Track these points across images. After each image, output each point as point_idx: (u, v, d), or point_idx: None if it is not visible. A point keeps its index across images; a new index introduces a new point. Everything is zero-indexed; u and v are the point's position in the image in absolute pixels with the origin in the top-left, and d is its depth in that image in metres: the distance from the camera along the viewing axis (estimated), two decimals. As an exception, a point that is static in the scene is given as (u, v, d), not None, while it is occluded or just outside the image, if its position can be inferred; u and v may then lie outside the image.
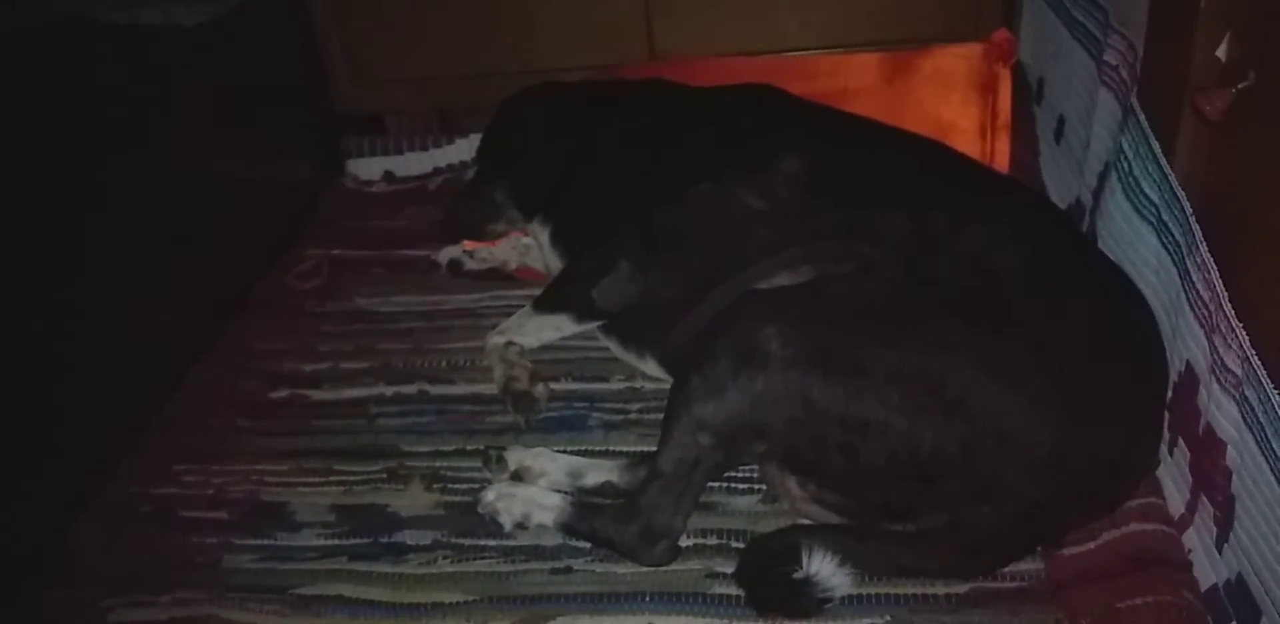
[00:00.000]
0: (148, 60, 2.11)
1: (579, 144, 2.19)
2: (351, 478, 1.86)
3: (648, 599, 1.60)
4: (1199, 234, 1.47)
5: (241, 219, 2.43)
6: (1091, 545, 1.57)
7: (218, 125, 2.36)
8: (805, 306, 1.58)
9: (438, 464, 1.88)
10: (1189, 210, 1.52)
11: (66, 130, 1.86)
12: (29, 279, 1.75)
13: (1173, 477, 1.60)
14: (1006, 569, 1.58)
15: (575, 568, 1.66)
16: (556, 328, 2.08)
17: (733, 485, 1.78)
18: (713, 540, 1.68)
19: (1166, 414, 1.59)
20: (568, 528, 1.69)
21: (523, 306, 2.11)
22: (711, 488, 1.72)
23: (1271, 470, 1.28)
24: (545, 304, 2.07)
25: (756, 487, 1.77)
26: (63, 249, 1.83)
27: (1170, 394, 1.59)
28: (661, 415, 1.63)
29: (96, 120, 1.94)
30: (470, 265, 2.39)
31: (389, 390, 2.07)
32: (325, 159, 2.80)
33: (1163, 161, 1.62)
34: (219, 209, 2.33)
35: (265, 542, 1.75)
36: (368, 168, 2.80)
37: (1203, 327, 1.48)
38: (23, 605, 1.65)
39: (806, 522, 1.65)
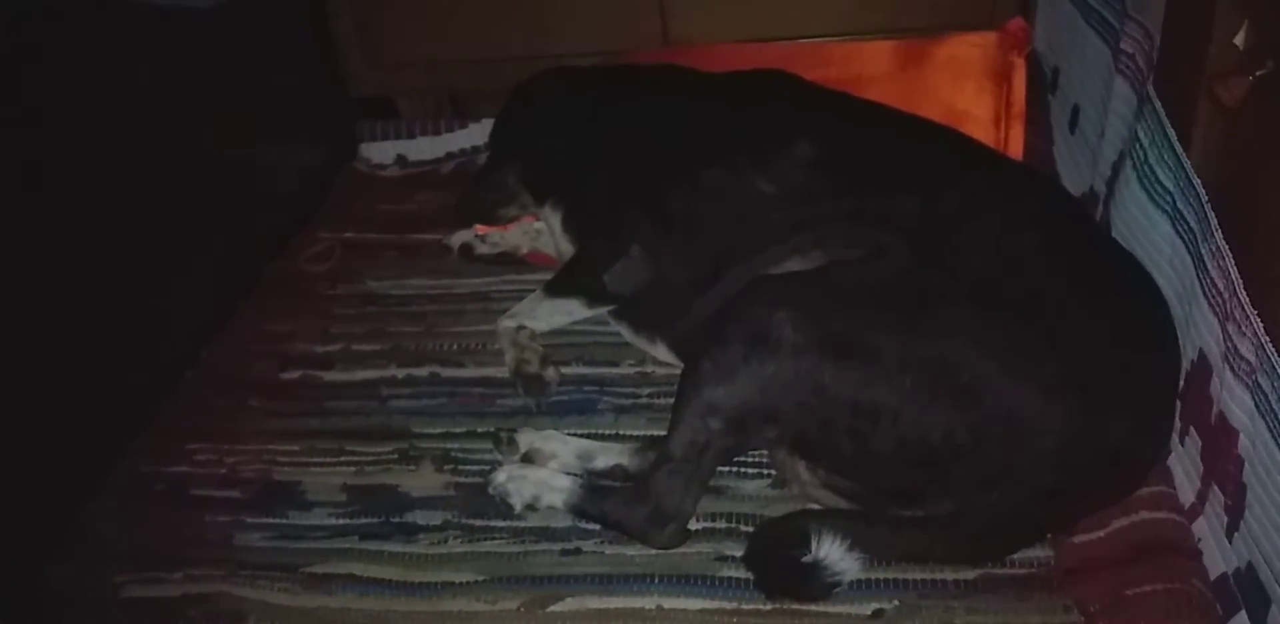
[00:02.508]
0: (160, 42, 2.11)
1: (592, 129, 2.19)
2: (363, 458, 1.87)
3: (656, 581, 1.60)
4: (1214, 221, 1.47)
5: (254, 202, 2.43)
6: (1101, 533, 1.57)
7: (230, 108, 2.36)
8: (817, 292, 1.58)
9: (449, 446, 1.89)
10: (1204, 198, 1.51)
11: (77, 112, 1.86)
12: (41, 262, 1.76)
13: (1184, 465, 1.60)
14: (1016, 556, 1.59)
15: (584, 549, 1.67)
16: (568, 312, 2.08)
17: (742, 470, 1.78)
18: (722, 524, 1.69)
19: (1178, 402, 1.59)
20: (577, 510, 1.70)
21: (534, 291, 2.11)
22: (721, 472, 1.72)
23: (1284, 458, 1.28)
24: (557, 288, 2.08)
25: (766, 471, 1.77)
26: (75, 232, 1.84)
27: (1183, 382, 1.59)
28: (672, 400, 1.63)
29: (108, 102, 1.94)
30: (482, 249, 2.39)
31: (400, 372, 2.07)
32: (338, 143, 2.80)
33: (1179, 149, 1.61)
34: (231, 192, 2.33)
35: (277, 520, 1.76)
36: (380, 152, 2.80)
37: (1216, 314, 1.47)
38: (37, 582, 1.66)
39: (815, 506, 1.66)
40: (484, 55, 2.76)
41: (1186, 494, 1.59)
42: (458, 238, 2.41)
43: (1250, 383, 1.37)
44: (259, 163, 2.52)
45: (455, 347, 2.13)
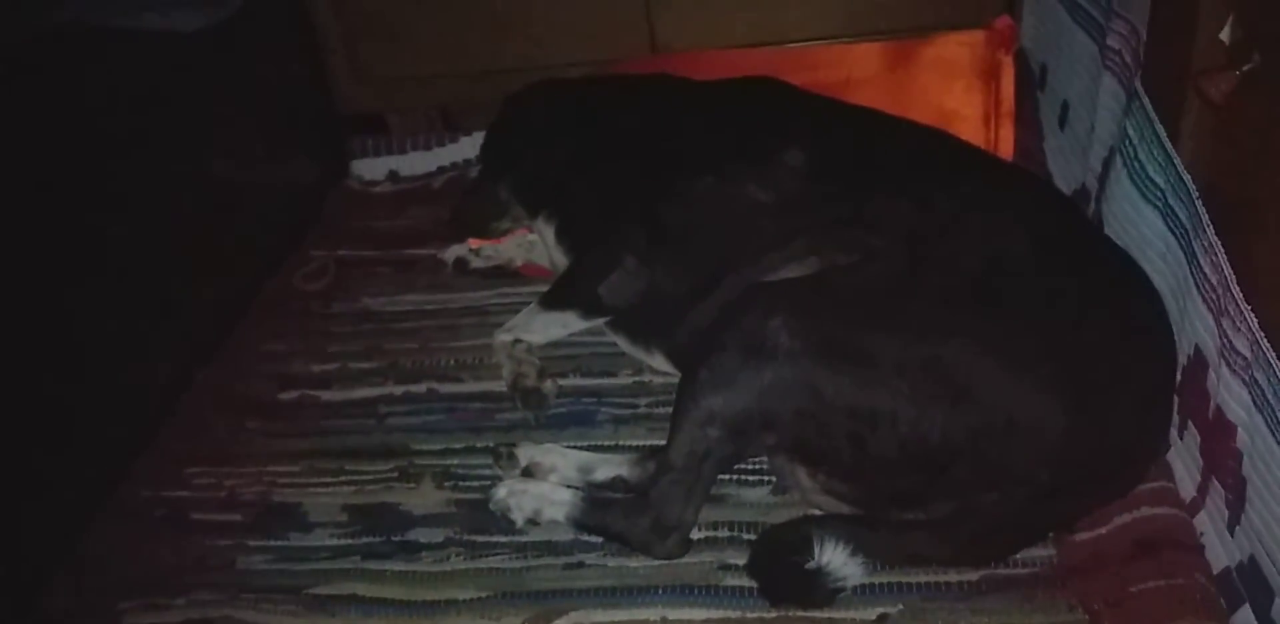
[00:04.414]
0: (151, 65, 2.12)
1: (582, 140, 2.19)
2: (363, 477, 1.87)
3: (660, 593, 1.60)
4: (1205, 217, 1.47)
5: (247, 221, 2.43)
6: (1103, 530, 1.57)
7: (221, 128, 2.36)
8: (812, 297, 1.58)
9: (448, 462, 1.88)
10: (1195, 193, 1.51)
11: (71, 136, 1.87)
12: (36, 283, 1.76)
13: (1183, 460, 1.60)
14: (1018, 555, 1.58)
15: (587, 563, 1.66)
16: (563, 324, 2.08)
17: (743, 477, 1.78)
18: (724, 533, 1.69)
19: (1176, 398, 1.59)
20: (579, 523, 1.70)
21: (529, 304, 2.11)
22: (722, 480, 1.71)
23: (1282, 452, 1.28)
24: (552, 301, 2.08)
25: (767, 478, 1.77)
26: (69, 253, 1.84)
27: (1179, 378, 1.58)
28: (670, 409, 1.63)
29: (101, 126, 1.95)
30: (476, 263, 2.39)
31: (398, 390, 2.07)
32: (330, 160, 2.81)
33: (1168, 145, 1.61)
34: (224, 212, 2.33)
35: (278, 542, 1.76)
36: (372, 168, 2.80)
37: (1211, 310, 1.47)
38: (39, 610, 1.66)
39: (817, 512, 1.65)
40: (473, 69, 2.76)
41: (1187, 489, 1.58)
42: (452, 252, 2.41)
43: (1246, 378, 1.37)
44: (251, 182, 2.52)
45: (452, 362, 2.13)
